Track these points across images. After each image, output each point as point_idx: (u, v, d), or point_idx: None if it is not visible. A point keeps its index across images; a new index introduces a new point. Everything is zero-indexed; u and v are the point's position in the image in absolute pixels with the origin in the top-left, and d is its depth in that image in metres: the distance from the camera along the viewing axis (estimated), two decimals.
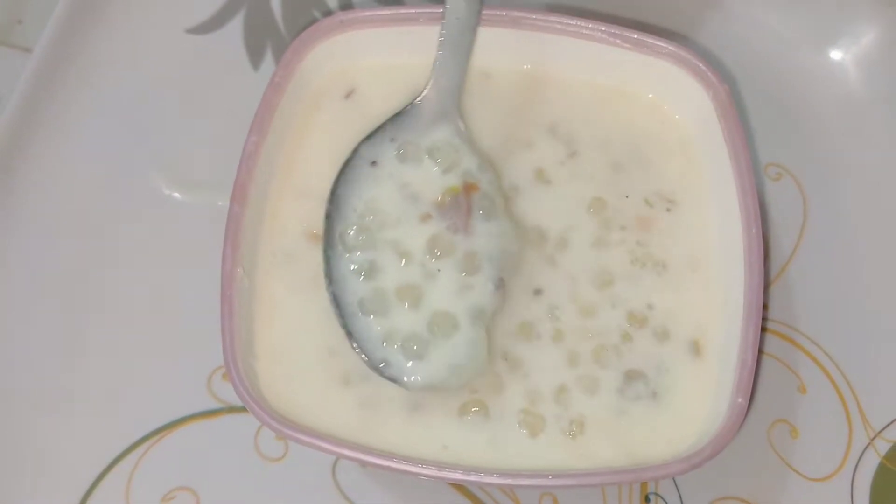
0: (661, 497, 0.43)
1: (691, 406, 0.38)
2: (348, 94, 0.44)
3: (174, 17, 0.51)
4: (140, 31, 0.51)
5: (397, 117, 0.40)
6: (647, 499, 0.43)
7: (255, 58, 0.51)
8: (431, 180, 0.39)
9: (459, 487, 0.43)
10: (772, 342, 0.46)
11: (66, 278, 0.46)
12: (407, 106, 0.41)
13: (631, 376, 0.40)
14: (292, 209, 0.41)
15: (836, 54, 0.50)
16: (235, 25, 0.51)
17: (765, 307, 0.46)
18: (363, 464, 0.38)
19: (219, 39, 0.51)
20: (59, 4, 0.49)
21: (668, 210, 0.42)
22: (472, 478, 0.34)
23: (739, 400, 0.35)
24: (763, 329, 0.46)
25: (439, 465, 0.34)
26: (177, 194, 0.48)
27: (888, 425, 0.44)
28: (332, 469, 0.43)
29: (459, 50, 0.40)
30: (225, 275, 0.37)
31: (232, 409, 0.44)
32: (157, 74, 0.50)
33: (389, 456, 0.35)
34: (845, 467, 0.43)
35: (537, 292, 0.41)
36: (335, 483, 0.43)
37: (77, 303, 0.46)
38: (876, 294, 0.46)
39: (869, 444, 0.44)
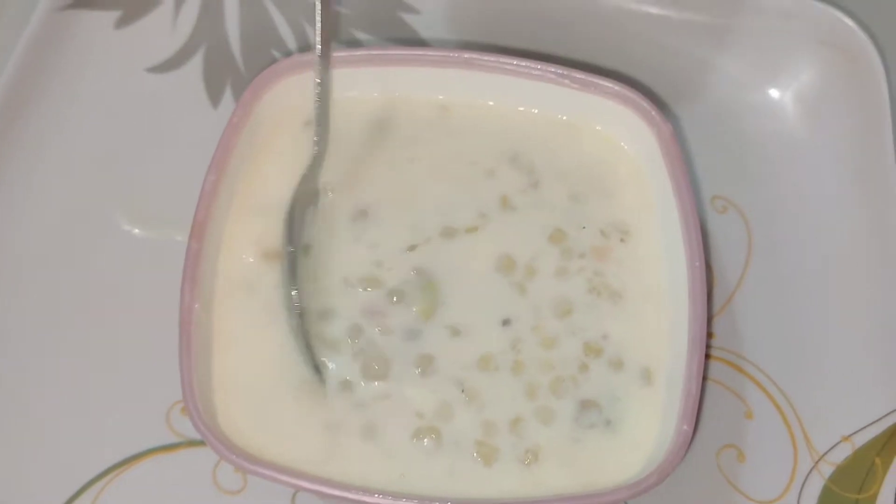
0: None
1: (642, 432, 0.40)
2: (306, 123, 0.45)
3: (134, 57, 0.52)
4: (100, 69, 0.51)
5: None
6: None
7: (215, 96, 0.52)
8: None
9: None
10: (719, 369, 0.47)
11: (24, 313, 0.46)
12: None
13: (586, 405, 0.41)
14: (247, 230, 0.42)
15: (776, 92, 0.52)
16: (195, 64, 0.52)
17: (711, 335, 0.48)
18: (322, 496, 0.38)
19: (179, 78, 0.52)
20: (18, 45, 0.49)
21: (621, 241, 0.44)
22: None
23: (685, 427, 0.37)
24: (710, 357, 0.47)
25: (395, 496, 0.35)
26: (136, 230, 0.49)
27: (831, 448, 0.45)
28: (292, 501, 0.44)
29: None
30: (183, 310, 0.38)
31: (191, 443, 0.44)
32: (118, 112, 0.51)
33: (347, 487, 0.35)
34: (791, 490, 0.45)
35: (506, 322, 0.42)
36: None
37: (34, 339, 0.46)
38: (817, 322, 0.48)
39: (814, 466, 0.45)
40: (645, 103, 0.43)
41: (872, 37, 0.50)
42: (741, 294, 0.49)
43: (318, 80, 0.43)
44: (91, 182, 0.50)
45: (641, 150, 0.44)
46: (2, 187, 0.48)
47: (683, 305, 0.40)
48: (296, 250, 0.41)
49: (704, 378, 0.47)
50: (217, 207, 0.40)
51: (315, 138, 0.43)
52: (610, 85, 0.43)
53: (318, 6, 0.43)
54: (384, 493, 0.35)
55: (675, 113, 0.51)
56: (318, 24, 0.42)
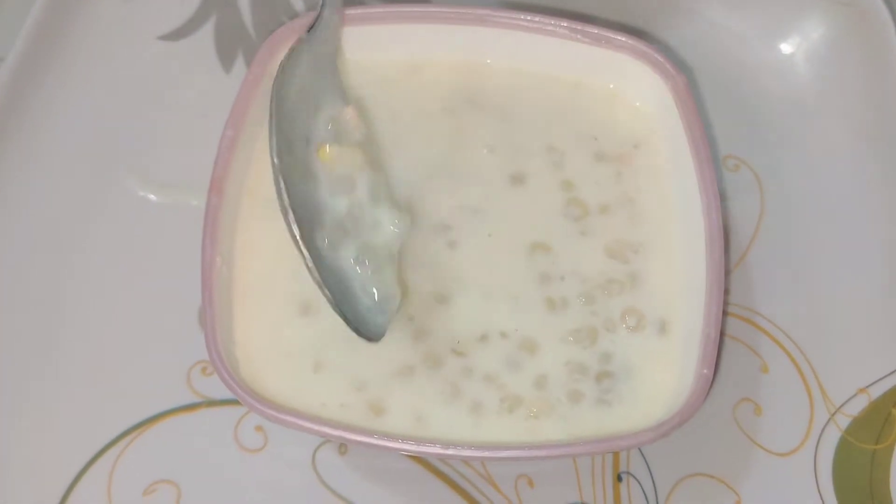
0: (633, 475, 0.44)
1: (661, 382, 0.40)
2: None
3: (146, 25, 0.52)
4: (112, 38, 0.52)
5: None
6: (619, 478, 0.44)
7: (227, 62, 0.52)
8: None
9: (438, 473, 0.44)
10: (734, 325, 0.47)
11: (43, 280, 0.47)
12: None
13: (604, 358, 0.42)
14: (265, 186, 0.41)
15: (787, 49, 0.52)
16: (207, 31, 0.53)
17: (726, 292, 0.48)
18: (346, 442, 0.38)
19: (191, 45, 0.52)
20: (31, 13, 0.50)
21: (635, 196, 0.44)
22: (450, 451, 0.35)
23: (705, 371, 0.37)
24: (725, 313, 0.47)
25: (418, 441, 0.35)
26: (151, 196, 0.49)
27: (848, 400, 0.46)
28: (312, 458, 0.44)
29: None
30: (205, 265, 0.38)
31: (211, 403, 0.45)
32: (131, 80, 0.51)
33: (370, 433, 0.36)
34: (808, 442, 0.45)
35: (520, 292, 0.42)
36: (315, 472, 0.44)
37: (55, 304, 0.46)
38: (831, 276, 0.48)
39: (830, 419, 0.45)
40: (659, 56, 0.43)
41: None
42: (754, 251, 0.49)
43: None
44: (105, 149, 0.50)
45: (653, 105, 0.44)
46: (18, 156, 0.48)
47: (701, 256, 0.40)
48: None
49: (721, 334, 0.47)
50: (235, 163, 0.40)
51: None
52: (623, 39, 0.43)
53: None
54: (409, 439, 0.35)
55: (686, 70, 0.51)
56: None
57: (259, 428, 0.44)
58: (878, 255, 0.48)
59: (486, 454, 0.35)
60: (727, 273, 0.48)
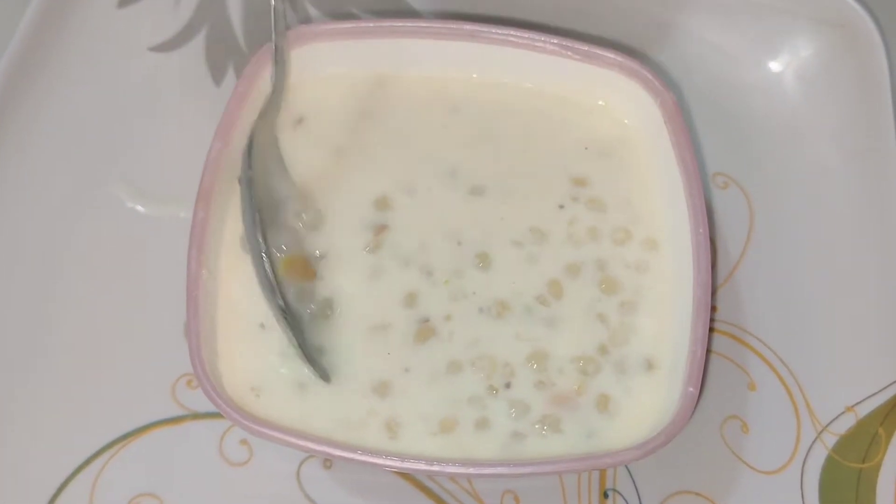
0: (619, 493, 0.44)
1: (647, 402, 0.40)
2: (299, 121, 0.45)
3: (137, 36, 0.52)
4: (103, 48, 0.52)
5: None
6: (605, 495, 0.44)
7: (217, 74, 0.52)
8: None
9: (423, 488, 0.43)
10: (722, 342, 0.47)
11: (30, 289, 0.46)
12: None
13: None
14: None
15: (778, 68, 0.53)
16: (198, 43, 0.53)
17: (714, 309, 0.48)
18: (330, 457, 0.38)
19: (181, 57, 0.52)
20: (21, 24, 0.50)
21: (627, 217, 0.44)
22: (435, 468, 0.35)
23: (690, 389, 0.37)
24: (713, 330, 0.47)
25: (402, 457, 0.35)
26: (140, 207, 0.49)
27: (835, 419, 0.46)
28: (297, 472, 0.44)
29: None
30: (190, 277, 0.38)
31: (196, 416, 0.44)
32: (121, 90, 0.51)
33: (353, 449, 0.36)
34: (795, 460, 0.45)
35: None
36: (300, 486, 0.43)
37: (41, 313, 0.46)
38: (819, 295, 0.48)
39: (817, 437, 0.45)
40: (649, 73, 0.43)
41: (872, 14, 0.51)
42: (743, 268, 0.49)
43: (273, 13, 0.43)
44: (94, 160, 0.50)
45: (642, 122, 0.44)
46: (6, 164, 0.48)
47: (689, 274, 0.40)
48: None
49: (708, 351, 0.47)
50: (222, 176, 0.40)
51: (272, 76, 0.43)
52: (613, 56, 0.43)
53: None
54: (393, 455, 0.35)
55: (676, 89, 0.51)
56: None
57: (244, 441, 0.44)
58: (867, 273, 0.48)
59: (472, 471, 0.35)
60: (715, 290, 0.48)
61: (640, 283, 0.42)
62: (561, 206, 0.43)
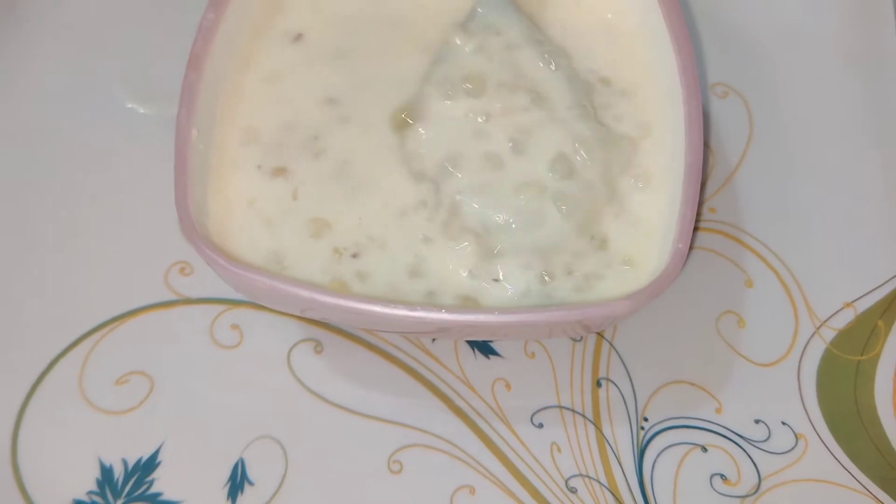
0: (612, 381, 0.44)
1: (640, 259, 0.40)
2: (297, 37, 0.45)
3: None
4: None
5: None
6: (598, 384, 0.43)
7: None
8: None
9: (414, 373, 0.43)
10: (719, 241, 0.47)
11: (35, 180, 0.47)
12: None
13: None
14: (254, 93, 0.42)
15: None
16: None
17: (712, 210, 0.48)
18: (311, 306, 0.37)
19: None
20: None
21: (622, 94, 0.44)
22: (418, 313, 0.34)
23: (679, 245, 0.36)
24: (710, 230, 0.47)
25: (385, 303, 0.35)
26: (139, 108, 0.49)
27: (833, 314, 0.45)
28: (287, 357, 0.43)
29: None
30: (179, 135, 0.38)
31: (188, 301, 0.44)
32: None
33: (332, 294, 0.35)
34: (792, 354, 0.44)
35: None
36: (290, 370, 0.43)
37: (45, 201, 0.47)
38: (817, 195, 0.48)
39: (815, 332, 0.45)
40: None
41: None
42: (742, 172, 0.49)
43: None
44: (93, 60, 0.50)
45: (638, 13, 0.44)
46: (7, 65, 0.49)
47: (680, 143, 0.39)
48: None
49: (704, 248, 0.46)
50: (216, 46, 0.40)
51: None
52: None
53: None
54: (390, 302, 0.35)
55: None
56: None
57: (235, 326, 0.44)
58: (865, 173, 0.48)
59: (455, 316, 0.35)
60: (705, 197, 0.48)
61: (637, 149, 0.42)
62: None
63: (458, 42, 0.42)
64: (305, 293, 0.35)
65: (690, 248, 0.46)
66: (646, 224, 0.41)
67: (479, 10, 0.44)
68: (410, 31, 0.44)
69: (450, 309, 0.35)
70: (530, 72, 0.42)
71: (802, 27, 0.52)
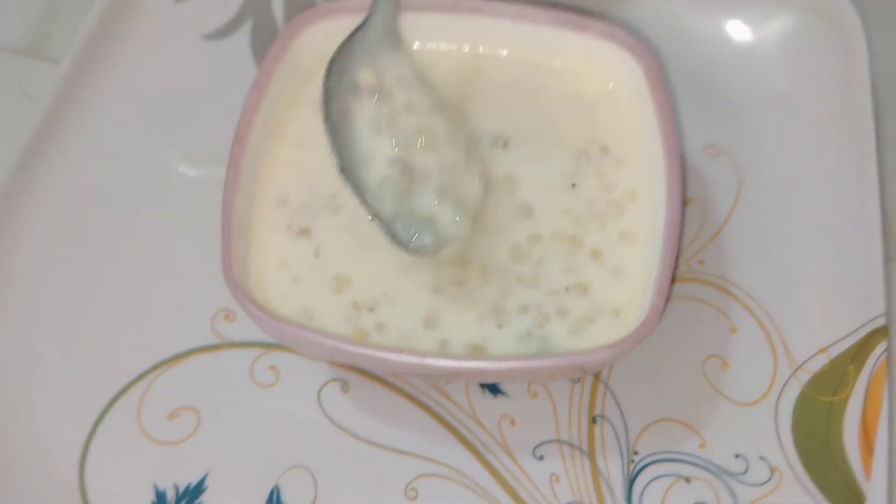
0: (607, 419, 0.49)
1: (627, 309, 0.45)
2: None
3: (192, 25, 0.59)
4: (162, 36, 0.59)
5: (346, 47, 0.48)
6: (594, 420, 0.49)
7: (259, 58, 0.59)
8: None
9: (429, 410, 0.49)
10: (707, 292, 0.52)
11: (99, 233, 0.53)
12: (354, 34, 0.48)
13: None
14: (287, 159, 0.48)
15: (766, 48, 0.57)
16: (244, 32, 0.60)
17: (702, 263, 0.53)
18: (358, 360, 0.43)
19: (229, 44, 0.59)
20: (92, 12, 0.57)
21: (616, 163, 0.50)
22: (409, 358, 0.40)
23: (656, 301, 0.41)
24: (699, 281, 0.52)
25: (398, 352, 0.40)
26: (188, 171, 0.56)
27: (809, 359, 0.49)
28: (318, 395, 0.49)
29: None
30: (226, 202, 0.44)
31: (232, 345, 0.50)
32: (177, 71, 0.58)
33: (350, 342, 0.41)
34: (770, 394, 0.49)
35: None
36: (320, 406, 0.49)
37: (106, 253, 0.52)
38: (799, 249, 0.52)
39: (792, 375, 0.49)
40: (631, 39, 0.48)
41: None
42: (730, 227, 0.53)
43: None
44: (150, 131, 0.56)
45: (626, 87, 0.50)
46: (80, 133, 0.55)
47: (662, 211, 0.45)
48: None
49: (694, 299, 0.51)
50: (257, 124, 0.46)
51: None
52: (602, 25, 0.49)
53: None
54: (402, 351, 0.40)
55: (668, 69, 0.57)
56: None
57: (273, 367, 0.50)
58: (843, 230, 0.52)
59: (462, 364, 0.40)
60: (705, 244, 0.53)
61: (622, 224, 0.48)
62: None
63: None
64: (329, 343, 0.41)
65: (681, 297, 0.51)
66: (632, 277, 0.46)
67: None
68: None
69: (457, 357, 0.41)
70: None
71: (789, 93, 0.56)
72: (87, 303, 0.52)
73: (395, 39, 0.50)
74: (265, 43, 0.59)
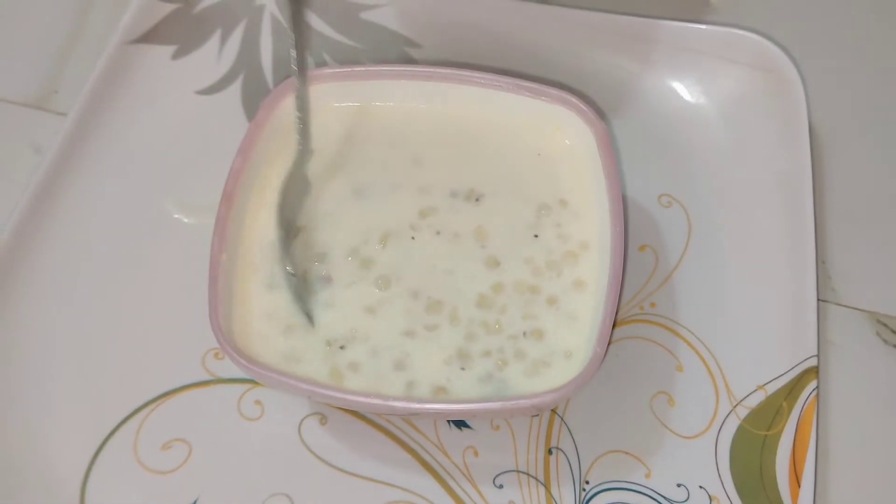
0: (562, 450, 0.53)
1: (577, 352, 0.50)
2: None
3: (186, 82, 0.64)
4: (159, 91, 0.64)
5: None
6: (550, 451, 0.53)
7: (250, 112, 0.64)
8: None
9: (400, 442, 0.53)
10: (657, 332, 0.56)
11: (100, 277, 0.58)
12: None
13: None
14: (267, 217, 0.53)
15: (714, 106, 0.62)
16: (235, 88, 0.65)
17: (653, 305, 0.57)
18: (331, 402, 0.48)
19: (221, 99, 0.64)
20: (96, 68, 0.62)
21: (563, 206, 0.55)
22: (376, 401, 0.45)
23: (597, 349, 0.46)
24: (650, 322, 0.57)
25: (366, 394, 0.45)
26: (183, 217, 0.60)
27: (748, 395, 0.54)
28: (299, 427, 0.54)
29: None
30: (213, 258, 0.49)
31: (220, 381, 0.55)
32: (172, 125, 0.63)
33: (327, 387, 0.46)
34: (712, 428, 0.53)
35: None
36: (300, 437, 0.54)
37: (106, 295, 0.57)
38: (740, 293, 0.57)
39: (732, 410, 0.54)
40: (584, 106, 0.53)
41: (795, 62, 0.61)
42: (679, 272, 0.58)
43: (297, 91, 0.55)
44: (148, 181, 0.61)
45: (581, 147, 0.54)
46: (82, 182, 0.60)
47: (607, 261, 0.50)
48: (287, 233, 0.53)
49: (644, 339, 0.56)
50: (241, 184, 0.51)
51: (298, 137, 0.55)
52: (556, 92, 0.54)
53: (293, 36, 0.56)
54: (370, 394, 0.45)
55: (627, 125, 0.62)
56: (294, 50, 0.56)
57: (258, 402, 0.55)
58: (780, 276, 0.57)
59: (415, 406, 0.45)
60: (658, 287, 0.58)
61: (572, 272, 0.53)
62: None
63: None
64: (305, 387, 0.46)
65: (634, 337, 0.56)
66: (582, 322, 0.51)
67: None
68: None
69: (420, 400, 0.46)
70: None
71: (736, 146, 0.61)
72: (91, 340, 0.56)
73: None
74: (255, 98, 0.64)
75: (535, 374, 0.50)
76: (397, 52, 0.65)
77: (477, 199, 0.55)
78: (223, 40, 0.66)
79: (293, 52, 0.56)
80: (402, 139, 0.57)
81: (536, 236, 0.54)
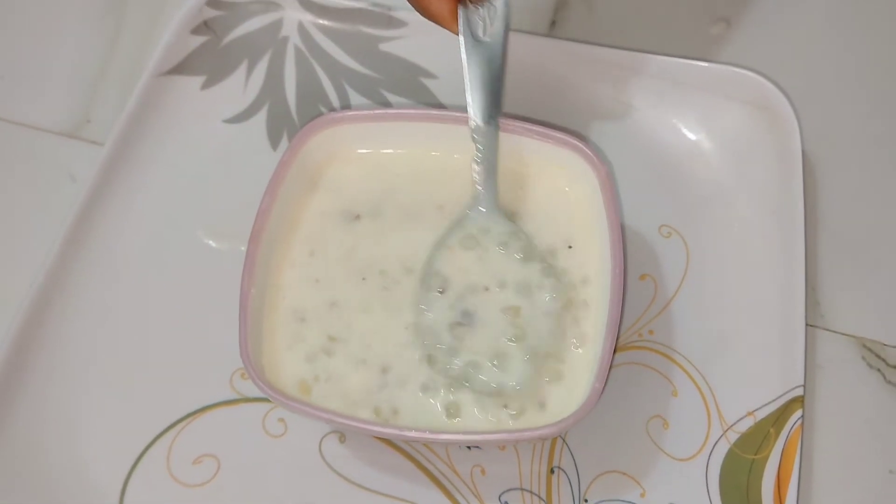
0: (563, 470, 0.57)
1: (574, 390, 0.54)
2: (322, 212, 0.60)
3: (214, 111, 0.68)
4: (188, 120, 0.67)
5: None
6: (552, 471, 0.57)
7: (274, 141, 0.67)
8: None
9: (413, 460, 0.57)
10: (654, 359, 0.60)
11: (135, 300, 0.62)
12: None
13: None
14: (296, 256, 0.57)
15: (713, 142, 0.66)
16: (260, 117, 0.68)
17: (651, 332, 0.61)
18: (332, 424, 0.53)
19: (247, 128, 0.68)
20: (130, 100, 0.66)
21: (569, 248, 0.58)
22: (390, 430, 0.49)
23: (596, 384, 0.50)
24: (648, 349, 0.60)
25: (383, 424, 0.50)
26: (212, 242, 0.64)
27: (738, 420, 0.58)
28: (319, 444, 0.58)
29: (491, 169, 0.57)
30: (242, 294, 0.53)
31: (247, 400, 0.59)
32: (201, 153, 0.67)
33: (350, 417, 0.50)
34: (703, 451, 0.57)
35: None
36: (320, 453, 0.58)
37: (140, 318, 0.61)
38: (734, 323, 0.60)
39: (723, 434, 0.57)
40: (588, 150, 0.57)
41: (789, 99, 0.64)
42: (677, 301, 0.62)
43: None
44: (179, 207, 0.65)
45: (585, 188, 0.58)
46: (115, 216, 0.64)
47: (606, 299, 0.53)
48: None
49: (642, 364, 0.60)
50: (270, 223, 0.55)
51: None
52: (561, 136, 0.57)
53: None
54: (393, 425, 0.50)
55: (631, 161, 0.65)
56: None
57: (282, 420, 0.59)
58: (772, 307, 0.60)
59: (427, 436, 0.49)
60: (656, 315, 0.61)
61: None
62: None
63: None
64: (324, 415, 0.50)
65: (632, 363, 0.60)
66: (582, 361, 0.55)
67: (469, 212, 0.58)
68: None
69: (433, 430, 0.50)
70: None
71: (733, 181, 0.65)
72: (127, 361, 0.60)
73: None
74: (279, 126, 0.68)
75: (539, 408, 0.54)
76: (413, 83, 0.69)
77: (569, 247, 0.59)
78: (249, 71, 0.69)
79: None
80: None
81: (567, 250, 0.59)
